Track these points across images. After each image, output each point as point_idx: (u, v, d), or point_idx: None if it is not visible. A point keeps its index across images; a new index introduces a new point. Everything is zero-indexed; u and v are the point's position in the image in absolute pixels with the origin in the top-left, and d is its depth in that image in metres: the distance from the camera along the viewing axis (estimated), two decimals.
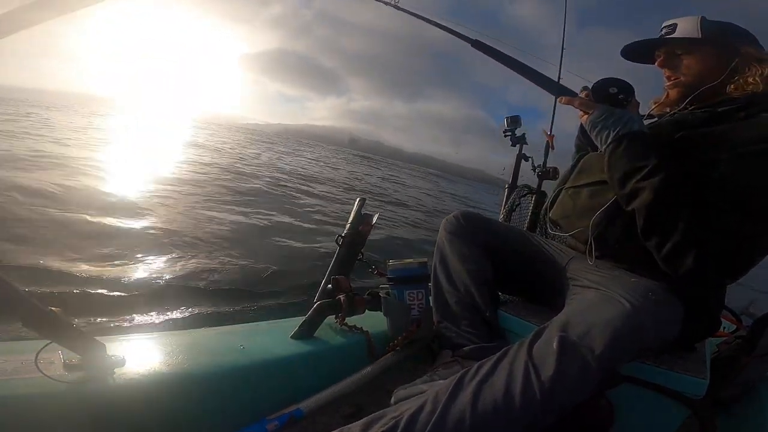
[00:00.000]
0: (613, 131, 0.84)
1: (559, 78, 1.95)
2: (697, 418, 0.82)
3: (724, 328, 1.57)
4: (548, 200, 1.13)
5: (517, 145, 1.89)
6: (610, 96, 0.88)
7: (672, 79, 0.95)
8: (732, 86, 0.87)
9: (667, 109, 0.98)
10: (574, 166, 1.08)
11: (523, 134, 1.89)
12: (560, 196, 1.07)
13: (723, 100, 0.87)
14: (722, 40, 0.89)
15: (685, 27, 0.91)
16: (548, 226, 1.11)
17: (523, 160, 1.90)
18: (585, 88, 0.98)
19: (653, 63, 0.99)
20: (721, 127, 0.82)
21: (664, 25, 0.96)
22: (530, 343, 0.68)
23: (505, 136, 1.89)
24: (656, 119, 0.99)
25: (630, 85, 0.88)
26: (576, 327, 0.68)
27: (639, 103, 0.92)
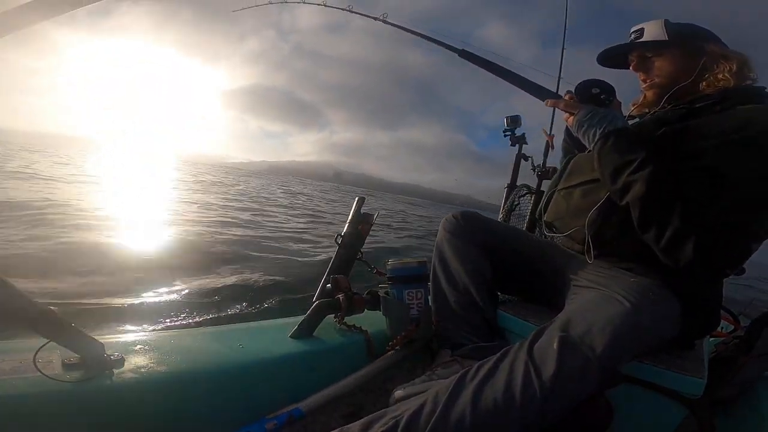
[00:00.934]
0: (600, 129, 0.86)
1: (558, 81, 1.96)
2: (696, 417, 0.83)
3: (722, 328, 1.58)
4: (541, 204, 1.14)
5: (517, 145, 1.89)
6: (593, 96, 0.91)
7: (647, 81, 0.98)
8: (704, 83, 0.90)
9: (646, 110, 1.01)
10: (563, 169, 1.10)
11: (523, 134, 1.89)
12: (553, 198, 1.08)
13: (698, 97, 0.89)
14: (688, 41, 0.92)
15: (652, 30, 0.95)
16: (543, 229, 1.12)
17: (522, 160, 1.90)
18: (568, 91, 1.00)
19: (628, 68, 1.02)
20: (698, 121, 0.84)
21: (632, 30, 0.99)
22: (531, 343, 0.68)
23: (505, 135, 1.89)
24: (637, 119, 1.02)
25: (611, 86, 0.91)
26: (576, 327, 0.68)
27: (620, 102, 0.95)
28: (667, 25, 0.94)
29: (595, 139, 0.87)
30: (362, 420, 0.62)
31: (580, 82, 0.94)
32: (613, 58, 1.03)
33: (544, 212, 1.09)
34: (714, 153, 0.78)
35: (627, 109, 1.04)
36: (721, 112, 0.83)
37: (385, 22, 1.80)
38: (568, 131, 1.14)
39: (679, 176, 0.79)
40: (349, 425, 0.62)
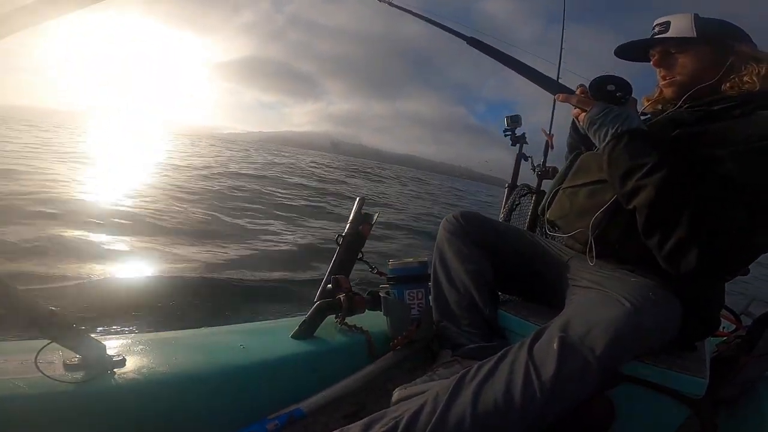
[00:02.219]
0: (612, 129, 0.82)
1: (558, 77, 1.95)
2: (698, 417, 0.83)
3: (724, 327, 1.57)
4: (544, 201, 1.13)
5: (517, 145, 1.89)
6: (608, 93, 0.86)
7: (667, 78, 0.94)
8: (728, 84, 0.86)
9: (659, 107, 0.98)
10: (569, 166, 1.08)
11: (523, 133, 1.88)
12: (557, 197, 1.06)
13: (718, 98, 0.86)
14: (717, 39, 0.88)
15: (679, 25, 0.90)
16: (546, 227, 1.10)
17: (522, 160, 1.90)
18: (581, 85, 0.96)
19: (647, 61, 0.98)
20: (717, 125, 0.81)
21: (656, 23, 0.94)
22: (531, 343, 0.68)
23: (506, 135, 1.89)
24: (649, 117, 0.98)
25: (628, 83, 0.86)
26: (577, 327, 0.68)
27: (636, 100, 0.91)
28: (697, 20, 0.88)
29: (607, 139, 0.83)
30: (363, 420, 0.62)
31: (595, 78, 0.89)
32: (632, 50, 0.99)
33: (547, 210, 1.08)
34: (733, 160, 0.75)
35: (639, 104, 0.99)
36: (741, 117, 0.80)
37: (390, 4, 1.74)
38: (574, 126, 1.10)
39: (695, 179, 0.76)
40: (349, 426, 0.62)
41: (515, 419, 0.61)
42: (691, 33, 0.88)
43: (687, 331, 0.86)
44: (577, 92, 0.95)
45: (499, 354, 0.68)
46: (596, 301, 0.77)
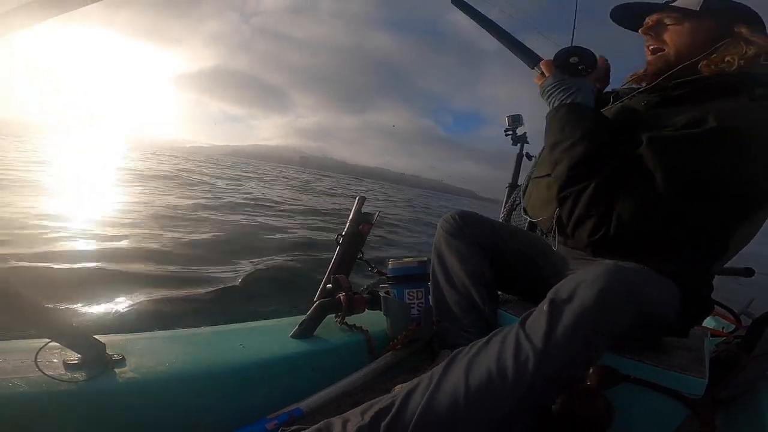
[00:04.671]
0: (558, 100, 0.86)
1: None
2: (697, 417, 0.83)
3: (723, 328, 1.58)
4: (521, 189, 1.17)
5: (518, 144, 1.90)
6: (569, 65, 0.90)
7: (652, 47, 0.90)
8: (705, 62, 0.82)
9: (635, 85, 0.98)
10: (538, 156, 1.13)
11: (524, 133, 1.89)
12: (529, 185, 1.10)
13: (680, 82, 0.84)
14: (720, 17, 0.82)
15: (686, 0, 0.85)
16: (523, 213, 1.12)
17: (526, 159, 1.90)
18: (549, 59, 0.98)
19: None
20: (661, 111, 0.83)
21: None
22: (523, 319, 0.67)
23: (506, 135, 1.89)
24: (617, 93, 1.01)
25: (593, 57, 0.89)
26: (565, 287, 0.66)
27: (609, 69, 0.95)
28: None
29: (549, 109, 0.88)
30: (362, 405, 0.63)
31: (562, 48, 0.92)
32: (628, 16, 0.94)
33: (523, 197, 1.12)
34: (649, 144, 0.76)
35: (623, 81, 1.02)
36: (689, 104, 0.79)
37: None
38: None
39: (614, 164, 0.78)
40: (348, 412, 0.63)
41: (508, 386, 0.59)
42: (695, 7, 0.84)
43: (682, 312, 0.83)
44: (542, 63, 0.96)
45: (492, 332, 0.68)
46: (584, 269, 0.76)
